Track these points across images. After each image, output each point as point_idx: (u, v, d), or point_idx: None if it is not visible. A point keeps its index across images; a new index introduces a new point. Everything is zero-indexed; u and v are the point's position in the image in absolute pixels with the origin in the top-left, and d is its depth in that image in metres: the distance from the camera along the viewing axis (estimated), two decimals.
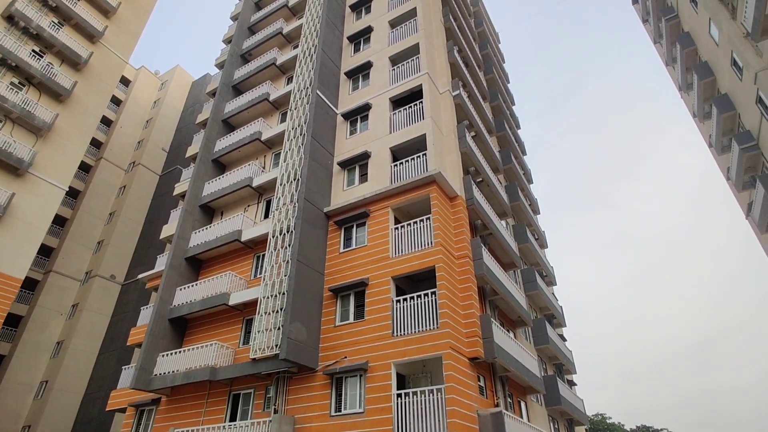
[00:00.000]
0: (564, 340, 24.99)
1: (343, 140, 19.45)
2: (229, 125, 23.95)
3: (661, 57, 34.73)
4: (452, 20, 24.14)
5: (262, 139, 20.93)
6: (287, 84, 23.96)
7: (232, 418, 15.05)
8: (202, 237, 19.34)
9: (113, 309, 31.14)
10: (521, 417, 16.03)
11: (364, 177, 17.71)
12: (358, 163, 18.11)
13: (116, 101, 39.96)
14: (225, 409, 15.27)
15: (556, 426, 20.50)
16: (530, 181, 31.19)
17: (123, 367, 19.08)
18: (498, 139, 26.57)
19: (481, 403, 12.81)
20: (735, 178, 24.60)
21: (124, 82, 41.27)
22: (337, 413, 12.87)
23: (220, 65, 28.18)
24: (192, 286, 18.04)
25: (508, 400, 15.16)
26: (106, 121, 38.11)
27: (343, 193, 17.70)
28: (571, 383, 24.67)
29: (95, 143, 36.65)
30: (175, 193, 23.90)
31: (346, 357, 13.61)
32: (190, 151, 25.24)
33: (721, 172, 28.95)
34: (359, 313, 14.40)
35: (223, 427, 14.07)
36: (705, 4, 22.30)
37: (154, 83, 43.31)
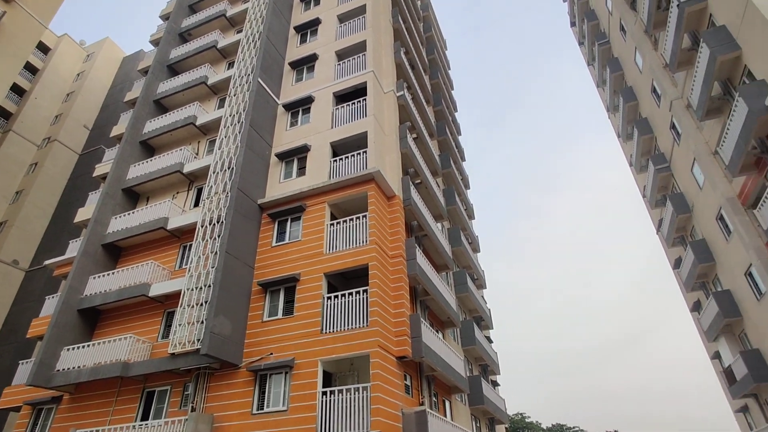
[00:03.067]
0: (490, 341, 25.90)
1: (283, 132, 18.92)
2: (162, 107, 22.54)
3: (593, 78, 37.09)
4: (401, 21, 24.29)
5: (197, 123, 19.88)
6: (228, 69, 22.95)
7: (145, 417, 14.09)
8: (124, 223, 18.01)
9: (14, 298, 28.24)
10: (445, 416, 16.37)
11: (302, 170, 17.32)
12: (297, 156, 17.69)
13: (32, 69, 36.37)
14: (137, 407, 14.26)
15: (478, 425, 21.17)
16: (467, 186, 32.08)
17: (20, 362, 17.30)
18: (439, 143, 27.08)
19: (407, 401, 12.90)
20: (650, 196, 26.69)
21: (43, 49, 37.66)
22: (260, 411, 12.43)
23: (155, 42, 26.49)
24: (108, 274, 16.73)
25: (433, 399, 15.41)
26: (18, 90, 34.56)
27: (280, 185, 17.20)
28: (495, 383, 25.62)
29: (4, 113, 33.14)
30: (95, 174, 22.12)
31: (272, 353, 13.19)
32: (116, 130, 23.51)
33: (638, 189, 31.40)
34: (288, 309, 14.03)
35: (133, 426, 13.13)
36: (632, 33, 24.04)
37: (78, 54, 39.89)
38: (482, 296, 26.79)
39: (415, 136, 21.34)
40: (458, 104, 38.41)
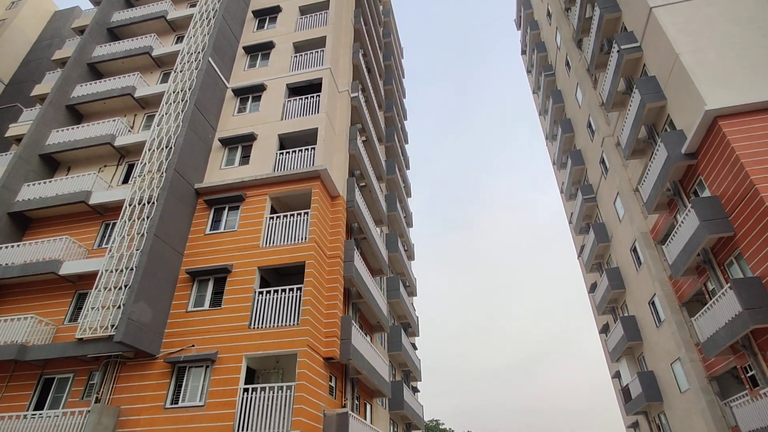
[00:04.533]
0: (415, 348, 26.41)
1: (230, 117, 18.22)
2: (96, 71, 20.87)
3: (536, 106, 39.17)
4: (362, 23, 24.29)
5: (136, 95, 18.62)
6: (176, 43, 21.72)
7: (40, 407, 12.88)
8: (38, 191, 16.40)
9: None
10: (365, 419, 16.43)
11: (245, 159, 16.75)
12: (242, 144, 17.09)
13: None
14: (31, 395, 13.01)
15: (396, 429, 21.46)
16: (409, 194, 32.61)
17: None
18: (386, 148, 27.32)
19: (330, 403, 12.82)
20: (575, 223, 28.53)
21: None
22: (173, 405, 11.78)
23: (95, 1, 24.52)
24: (11, 246, 15.15)
25: (356, 401, 15.43)
26: None
27: (220, 171, 16.52)
28: (415, 389, 26.12)
29: None
30: (7, 134, 20.00)
31: (193, 345, 12.58)
32: (39, 89, 21.45)
33: (566, 215, 33.49)
34: (216, 301, 13.46)
35: (24, 416, 11.95)
36: (576, 70, 25.67)
37: None
38: (412, 303, 27.29)
39: (364, 139, 21.38)
40: (408, 113, 39.03)
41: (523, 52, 40.77)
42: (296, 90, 18.85)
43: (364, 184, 19.61)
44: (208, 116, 17.15)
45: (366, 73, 23.39)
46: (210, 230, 15.05)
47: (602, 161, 23.63)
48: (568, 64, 27.55)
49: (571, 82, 27.26)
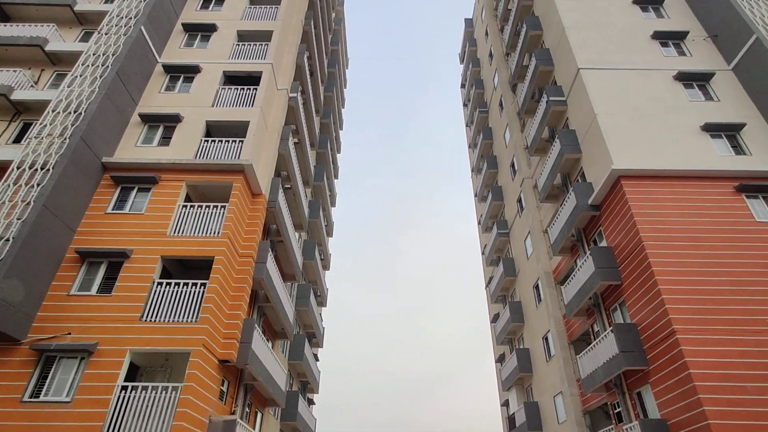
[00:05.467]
0: (317, 359, 25.95)
1: (155, 93, 17.00)
2: (3, 14, 18.56)
3: (467, 138, 40.94)
4: (312, 26, 24.07)
5: (47, 49, 16.77)
6: (105, 2, 19.99)
7: None
8: None
9: None
10: (254, 428, 15.72)
11: (166, 140, 15.67)
12: (165, 123, 15.98)
13: None
14: None
15: None
16: (334, 204, 32.41)
17: None
18: (318, 154, 27.02)
19: (218, 408, 12.09)
20: (487, 255, 29.92)
21: None
22: (33, 399, 10.43)
23: None
24: None
25: (247, 409, 14.73)
26: None
27: (135, 149, 15.28)
28: (311, 402, 25.58)
29: None
30: None
31: (70, 333, 11.30)
32: None
33: (480, 246, 35.08)
34: (107, 287, 12.26)
35: None
36: (507, 111, 27.27)
37: None
38: (320, 314, 26.89)
39: (296, 141, 20.99)
40: (345, 122, 39.06)
41: (463, 86, 42.70)
42: (233, 79, 18.11)
43: (289, 186, 19.16)
44: (130, 88, 15.86)
45: (308, 76, 23.10)
46: (112, 209, 13.78)
47: (519, 200, 25.16)
48: (501, 104, 29.23)
49: (502, 122, 28.92)
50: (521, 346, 24.18)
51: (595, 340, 16.44)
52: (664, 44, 20.53)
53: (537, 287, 22.13)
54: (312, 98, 24.06)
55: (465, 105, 41.88)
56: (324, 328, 26.51)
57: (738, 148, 16.97)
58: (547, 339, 20.77)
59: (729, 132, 17.28)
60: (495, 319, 28.45)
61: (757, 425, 11.34)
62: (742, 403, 11.62)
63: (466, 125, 41.06)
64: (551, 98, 20.48)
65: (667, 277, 13.71)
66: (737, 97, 18.48)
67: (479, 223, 34.48)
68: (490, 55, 32.79)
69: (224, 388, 12.84)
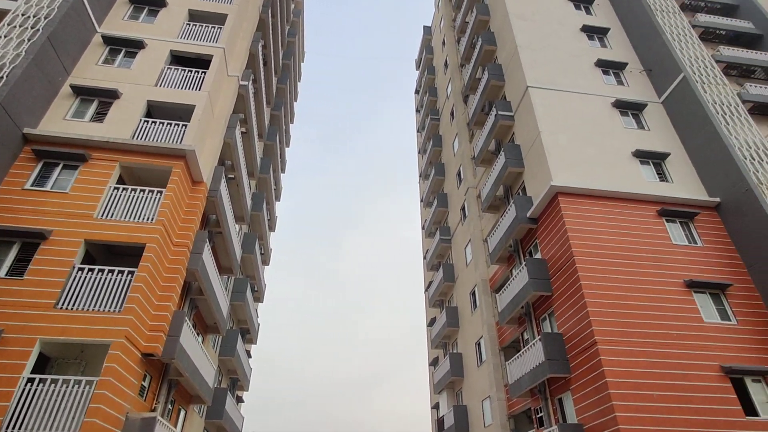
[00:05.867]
0: (249, 356, 25.23)
1: (92, 64, 15.84)
2: None
3: (417, 145, 41.48)
4: (270, 14, 23.45)
5: None
6: None
7: None
8: None
9: None
10: (176, 426, 14.99)
11: (100, 116, 14.63)
12: (101, 99, 14.91)
13: None
14: None
15: None
16: (278, 198, 31.70)
17: None
18: (265, 146, 26.33)
19: (137, 404, 11.40)
20: (429, 259, 30.42)
21: None
22: None
23: None
24: None
25: (169, 406, 14.02)
26: None
27: (63, 122, 14.13)
28: (240, 399, 24.81)
29: None
30: None
31: None
32: None
33: (422, 251, 35.61)
34: (18, 270, 11.23)
35: None
36: (458, 121, 27.91)
37: None
38: (256, 309, 26.18)
39: (244, 130, 20.36)
40: (297, 117, 38.38)
41: (417, 92, 43.26)
42: (181, 60, 17.25)
43: (233, 176, 18.52)
44: (62, 56, 14.67)
45: (261, 65, 22.48)
46: (31, 186, 12.66)
47: (463, 208, 25.81)
48: (452, 114, 29.89)
49: (452, 130, 29.58)
50: (455, 351, 24.76)
51: (524, 347, 17.14)
52: (606, 72, 21.86)
53: (474, 294, 22.77)
54: (264, 88, 23.42)
55: (418, 111, 42.46)
56: (259, 324, 25.84)
57: (662, 175, 18.36)
58: (479, 344, 21.40)
59: (656, 160, 18.66)
60: (431, 322, 28.97)
61: (660, 430, 12.29)
62: (648, 410, 12.54)
63: (418, 131, 41.63)
64: (500, 112, 21.19)
65: (593, 290, 14.55)
66: (665, 129, 20.01)
67: (423, 227, 35.03)
68: (446, 65, 33.46)
69: (146, 384, 12.14)
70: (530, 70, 20.71)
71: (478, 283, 21.78)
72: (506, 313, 18.13)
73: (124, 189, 13.12)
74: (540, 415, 16.28)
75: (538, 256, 17.67)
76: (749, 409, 13.13)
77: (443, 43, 35.04)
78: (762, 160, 17.33)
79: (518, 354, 16.72)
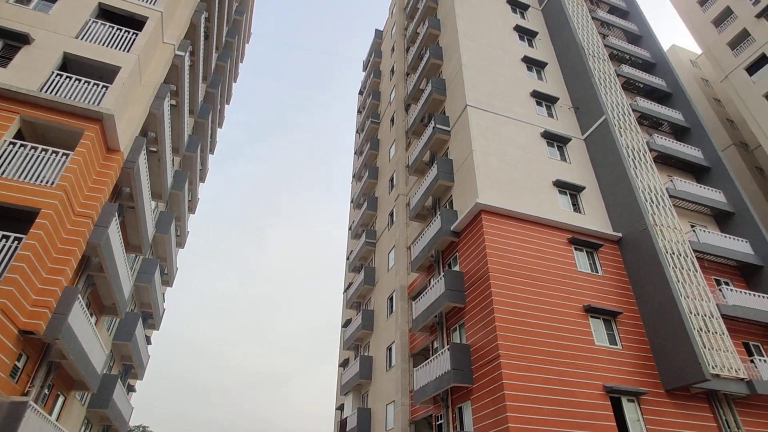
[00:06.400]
0: (149, 343, 23.63)
1: (2, 2, 14.06)
2: None
3: (354, 145, 41.42)
4: None
5: None
6: None
7: None
8: None
9: None
10: (51, 413, 13.59)
11: (4, 61, 13.01)
12: (8, 41, 13.28)
13: None
14: None
15: (89, 430, 18.35)
16: (203, 179, 30.15)
17: None
18: (196, 124, 24.92)
19: (7, 387, 10.15)
20: (352, 260, 30.38)
21: None
22: None
23: None
24: None
25: (46, 391, 12.68)
26: None
27: None
28: (131, 388, 23.13)
29: None
30: None
31: None
32: None
33: (346, 251, 35.49)
34: None
35: None
36: (397, 127, 28.23)
37: None
38: (164, 293, 24.63)
39: (174, 103, 19.13)
40: (234, 99, 36.82)
41: (361, 93, 43.27)
42: (111, 15, 15.83)
43: (155, 149, 17.31)
44: None
45: (202, 38, 21.29)
46: None
47: (392, 214, 26.10)
48: (393, 120, 30.20)
49: (390, 136, 29.87)
50: (366, 354, 24.88)
51: (433, 355, 17.59)
52: (539, 103, 23.23)
53: (391, 299, 23.05)
54: (202, 63, 22.18)
55: (359, 112, 42.46)
56: (165, 309, 24.29)
57: (576, 206, 19.80)
58: (391, 349, 21.67)
59: (572, 191, 20.09)
60: (347, 324, 28.91)
61: None
62: (538, 423, 13.36)
63: (357, 131, 41.60)
64: (438, 126, 21.73)
65: (502, 307, 15.29)
66: (583, 163, 21.63)
67: (350, 228, 34.96)
68: (392, 71, 33.79)
69: (20, 364, 10.88)
70: (471, 90, 21.48)
71: (396, 288, 22.08)
72: (420, 321, 18.52)
73: (22, 145, 11.74)
74: (440, 422, 16.76)
75: (457, 268, 18.28)
76: (622, 426, 14.45)
77: (393, 49, 35.39)
78: (659, 204, 19.26)
79: (427, 361, 17.13)
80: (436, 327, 18.28)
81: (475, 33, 24.62)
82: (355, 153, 40.28)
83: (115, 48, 14.68)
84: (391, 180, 27.68)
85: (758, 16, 32.00)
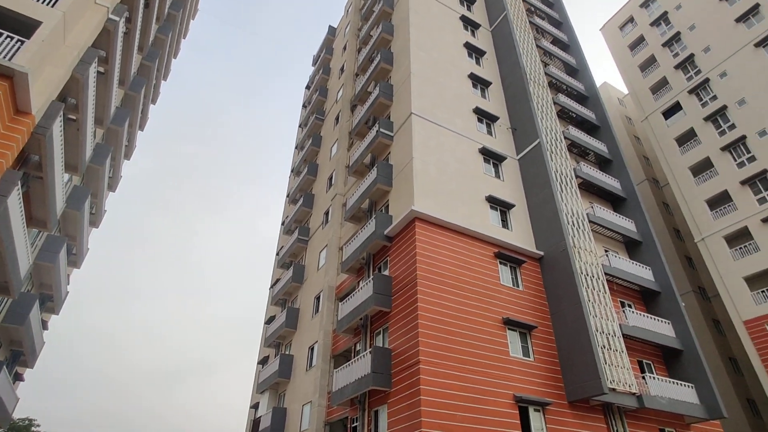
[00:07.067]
0: (45, 328, 21.53)
1: None
2: None
3: (296, 139, 40.65)
4: None
5: None
6: None
7: None
8: None
9: None
10: None
11: None
12: None
13: None
14: None
15: None
16: (128, 156, 28.12)
17: None
18: (126, 96, 23.20)
19: None
20: (282, 256, 29.68)
21: None
22: None
23: None
24: None
25: None
26: None
27: None
28: (19, 376, 20.94)
29: None
30: None
31: None
32: None
33: (277, 246, 34.62)
34: None
35: None
36: (341, 126, 28.04)
37: None
38: (69, 275, 22.63)
39: (102, 71, 17.66)
40: (171, 75, 34.74)
41: (308, 87, 42.58)
42: None
43: (74, 118, 15.84)
44: None
45: (142, 6, 19.89)
46: None
47: (327, 213, 25.81)
48: (338, 119, 29.95)
49: (333, 135, 29.60)
50: (287, 352, 24.34)
51: (354, 357, 17.52)
52: (480, 120, 24.04)
53: (319, 298, 22.75)
54: (139, 32, 20.68)
55: (304, 106, 41.75)
56: (68, 292, 22.27)
57: (505, 222, 20.65)
58: (313, 349, 21.35)
59: (503, 208, 20.94)
60: (270, 320, 28.15)
61: None
62: (450, 429, 13.70)
63: (300, 126, 40.85)
64: (382, 130, 21.81)
65: (426, 314, 15.56)
66: (515, 182, 22.64)
67: (283, 223, 34.18)
68: (342, 70, 33.55)
69: None
70: (417, 99, 21.79)
71: (325, 288, 21.82)
72: (345, 322, 18.41)
73: None
74: (355, 425, 16.71)
75: (387, 272, 18.38)
76: None
77: (344, 48, 35.16)
78: (579, 228, 20.59)
79: (347, 363, 17.03)
80: (361, 329, 18.25)
81: (426, 44, 25.05)
82: (296, 147, 39.50)
83: (38, 1, 13.30)
84: (330, 179, 27.40)
85: (676, 67, 35.42)
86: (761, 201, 27.50)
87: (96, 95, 16.88)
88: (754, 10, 31.52)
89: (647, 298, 21.69)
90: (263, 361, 28.02)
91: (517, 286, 18.90)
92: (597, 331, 17.24)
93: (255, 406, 26.50)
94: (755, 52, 30.70)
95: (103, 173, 20.35)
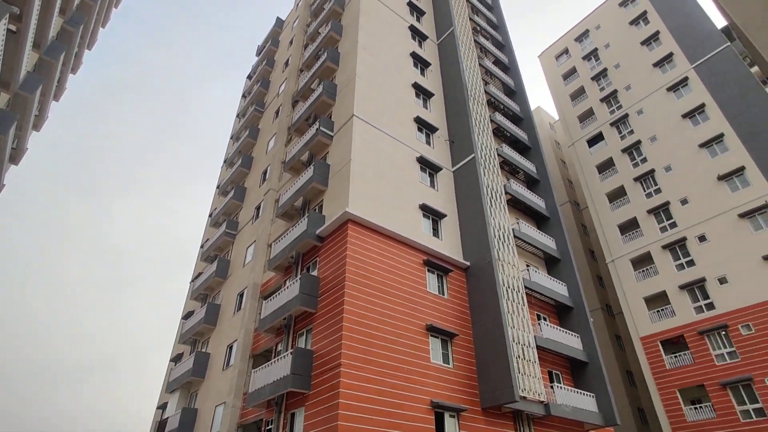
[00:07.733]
0: None
1: None
2: None
3: (232, 130, 39.16)
4: None
5: None
6: None
7: None
8: None
9: None
10: None
11: None
12: None
13: None
14: None
15: None
16: (38, 128, 25.51)
17: None
18: (41, 61, 21.02)
19: None
20: (206, 249, 28.34)
21: None
22: None
23: None
24: None
25: None
26: None
27: None
28: None
29: None
30: None
31: None
32: None
33: (202, 239, 32.99)
34: None
35: None
36: (280, 121, 27.37)
37: None
38: None
39: (14, 29, 15.96)
40: (98, 46, 32.09)
41: (249, 77, 41.21)
42: None
43: None
44: None
45: None
46: None
47: (258, 208, 25.01)
48: (278, 113, 29.19)
49: (272, 129, 28.80)
50: (204, 350, 23.19)
51: (275, 358, 17.01)
52: (420, 130, 24.45)
53: (242, 295, 21.92)
54: None
55: (244, 96, 40.33)
56: None
57: (436, 231, 21.10)
58: (232, 348, 20.50)
59: (435, 217, 21.39)
60: (188, 315, 26.71)
61: None
62: None
63: (237, 116, 39.39)
64: (322, 129, 21.53)
65: (352, 317, 15.46)
66: (449, 193, 23.24)
67: (210, 215, 32.68)
68: (286, 64, 32.81)
69: None
70: (360, 102, 21.75)
71: (249, 285, 21.07)
72: (268, 321, 17.85)
73: None
74: (270, 427, 16.20)
75: (315, 273, 18.08)
76: None
77: (291, 42, 34.44)
78: (504, 242, 21.51)
79: (267, 363, 16.50)
80: (284, 329, 17.79)
81: (374, 48, 25.13)
82: (231, 137, 37.99)
83: None
84: (265, 173, 26.61)
85: (602, 100, 38.35)
86: (663, 229, 30.39)
87: (3, 55, 15.20)
88: (669, 57, 34.94)
89: (561, 312, 23.07)
90: (176, 359, 26.49)
91: (443, 294, 19.34)
92: (514, 341, 18.03)
93: (162, 407, 24.95)
94: (667, 95, 34.00)
95: (4, 144, 18.30)
